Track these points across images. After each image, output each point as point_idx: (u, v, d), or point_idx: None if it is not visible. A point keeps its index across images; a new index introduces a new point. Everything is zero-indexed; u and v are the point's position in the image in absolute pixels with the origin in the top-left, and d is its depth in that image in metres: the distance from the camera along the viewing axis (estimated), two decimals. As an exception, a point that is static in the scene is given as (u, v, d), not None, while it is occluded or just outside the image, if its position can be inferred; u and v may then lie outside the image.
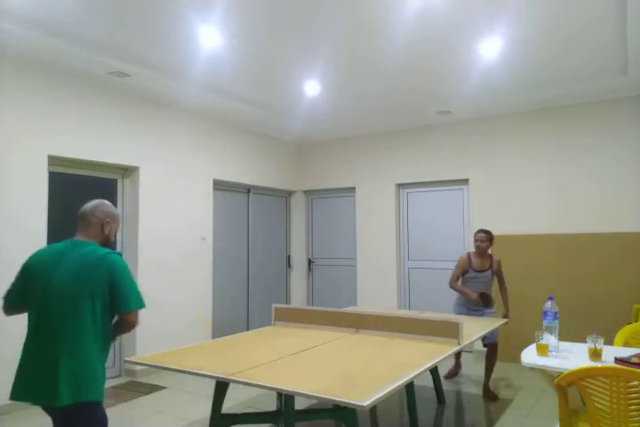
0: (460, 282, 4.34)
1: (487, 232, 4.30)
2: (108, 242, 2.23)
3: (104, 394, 1.98)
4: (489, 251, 4.35)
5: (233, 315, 6.04)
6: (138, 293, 2.04)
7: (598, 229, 4.95)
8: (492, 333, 3.97)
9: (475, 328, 3.45)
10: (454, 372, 4.72)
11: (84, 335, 1.90)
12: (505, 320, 3.97)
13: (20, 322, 3.79)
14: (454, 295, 4.58)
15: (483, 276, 4.25)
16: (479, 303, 4.17)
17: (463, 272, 4.30)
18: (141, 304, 2.02)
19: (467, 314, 4.25)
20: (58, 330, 1.91)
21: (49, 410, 1.92)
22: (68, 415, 1.88)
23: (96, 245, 2.12)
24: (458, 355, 4.72)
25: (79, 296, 1.91)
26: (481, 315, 4.21)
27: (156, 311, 4.85)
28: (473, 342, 3.15)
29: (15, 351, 3.72)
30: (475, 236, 4.34)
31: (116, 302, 1.97)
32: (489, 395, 4.05)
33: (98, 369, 1.93)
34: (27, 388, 1.91)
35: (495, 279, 4.35)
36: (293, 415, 2.54)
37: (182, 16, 3.24)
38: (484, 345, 4.20)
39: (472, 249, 4.47)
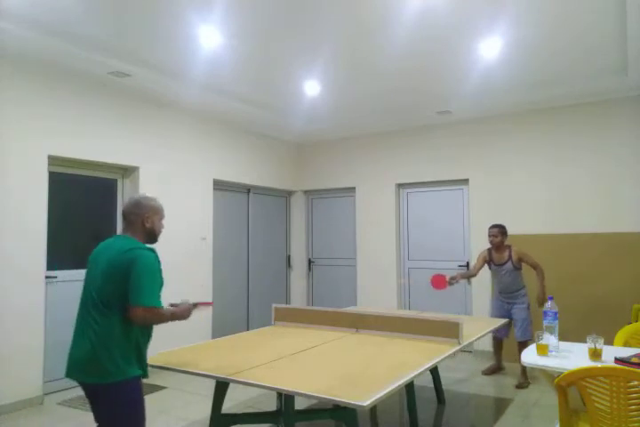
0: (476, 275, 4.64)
1: (499, 226, 4.50)
2: (154, 236, 2.33)
3: (129, 374, 2.03)
4: (505, 243, 4.50)
5: (233, 315, 6.04)
6: (151, 290, 2.07)
7: (598, 229, 4.95)
8: (522, 330, 4.34)
9: (475, 328, 3.45)
10: (494, 368, 4.78)
11: (105, 326, 2.01)
12: (504, 320, 3.96)
13: (22, 321, 3.80)
14: (457, 295, 4.60)
15: (503, 269, 4.43)
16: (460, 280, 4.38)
17: (482, 264, 4.55)
18: (149, 302, 2.03)
19: (500, 307, 4.54)
20: (85, 318, 2.06)
21: (83, 386, 2.09)
22: (97, 392, 2.06)
23: (132, 239, 2.20)
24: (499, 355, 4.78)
25: (103, 290, 2.04)
26: (510, 308, 4.47)
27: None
28: (473, 343, 3.15)
29: (13, 350, 3.74)
30: (488, 231, 4.55)
31: (128, 294, 2.03)
32: (522, 385, 4.29)
33: (116, 355, 2.00)
34: (68, 365, 2.08)
35: (528, 268, 4.47)
36: (293, 415, 2.54)
37: (182, 16, 3.24)
38: (518, 343, 4.45)
39: (487, 245, 4.67)
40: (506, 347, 5.01)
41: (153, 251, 2.21)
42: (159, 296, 2.14)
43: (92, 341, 2.00)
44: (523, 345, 4.31)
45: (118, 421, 2.05)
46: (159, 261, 2.25)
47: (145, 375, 2.13)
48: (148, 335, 2.17)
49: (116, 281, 2.03)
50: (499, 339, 4.65)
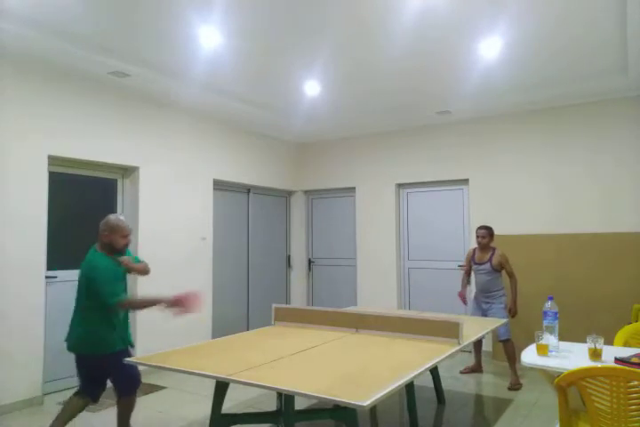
0: (471, 275, 4.78)
1: (487, 228, 4.59)
2: (114, 249, 2.93)
3: (112, 348, 2.84)
4: (492, 245, 4.61)
5: (233, 315, 6.04)
6: (108, 290, 2.78)
7: (598, 229, 4.95)
8: (503, 329, 4.34)
9: (475, 328, 3.45)
10: (473, 368, 4.81)
11: (83, 312, 2.87)
12: (504, 320, 3.96)
13: (22, 321, 3.80)
14: (451, 295, 4.60)
15: (482, 268, 4.55)
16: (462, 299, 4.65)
17: (469, 264, 4.70)
18: (112, 301, 2.77)
19: (477, 306, 4.62)
20: (76, 309, 2.92)
21: (79, 356, 2.88)
22: (88, 361, 2.88)
23: (94, 251, 2.93)
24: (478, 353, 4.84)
25: (80, 287, 2.88)
26: (488, 308, 4.53)
27: (156, 312, 4.84)
28: (473, 342, 3.15)
29: (13, 350, 3.74)
30: (476, 232, 4.63)
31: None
32: (513, 387, 4.28)
33: (99, 333, 2.83)
34: (67, 341, 2.90)
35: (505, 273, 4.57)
36: (293, 415, 2.54)
37: (182, 16, 3.24)
38: (499, 342, 4.53)
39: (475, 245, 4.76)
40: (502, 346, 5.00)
41: (105, 256, 2.89)
42: (118, 289, 2.86)
43: (86, 327, 2.83)
44: (505, 344, 4.42)
45: (117, 380, 2.91)
46: (113, 262, 2.90)
47: (130, 346, 2.96)
48: (120, 317, 2.92)
49: (84, 284, 2.84)
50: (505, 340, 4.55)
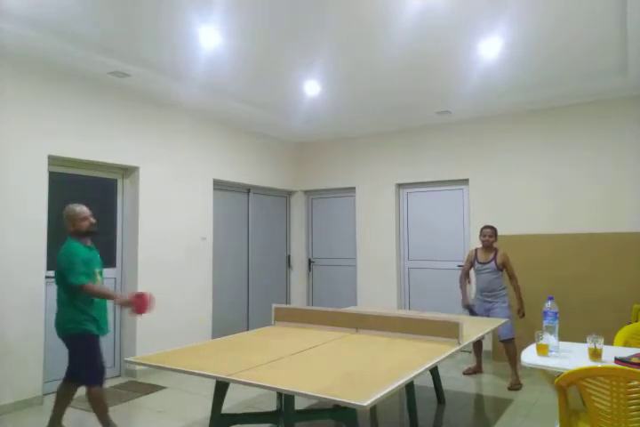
0: (472, 275, 4.78)
1: (492, 228, 4.64)
2: (81, 233, 3.14)
3: (77, 329, 3.03)
4: (494, 245, 4.63)
5: (233, 315, 6.04)
6: (73, 271, 2.99)
7: (598, 228, 4.95)
8: (506, 328, 4.33)
9: (475, 328, 3.45)
10: (475, 369, 4.79)
11: (58, 296, 3.13)
12: (504, 320, 3.97)
13: (22, 321, 3.80)
14: (457, 295, 4.60)
15: (486, 267, 4.56)
16: (467, 307, 4.61)
17: (470, 266, 4.70)
18: (75, 280, 2.98)
19: (480, 305, 4.57)
20: (56, 294, 3.17)
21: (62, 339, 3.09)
22: (66, 343, 3.09)
23: (68, 239, 3.15)
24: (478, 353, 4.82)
25: (56, 274, 3.13)
26: (490, 307, 4.50)
27: (156, 311, 4.84)
28: (473, 343, 3.15)
29: (13, 350, 3.73)
30: (481, 231, 4.66)
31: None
32: (513, 387, 4.29)
33: (69, 317, 3.05)
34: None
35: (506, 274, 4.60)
36: (293, 415, 2.54)
37: (182, 16, 3.24)
38: (501, 341, 4.48)
39: (479, 245, 4.76)
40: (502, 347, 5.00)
41: (76, 243, 3.11)
42: (84, 274, 3.00)
43: (59, 308, 3.09)
44: (507, 344, 4.41)
45: (79, 365, 3.07)
46: (84, 247, 3.11)
47: (101, 333, 3.12)
48: (90, 302, 3.07)
49: (58, 270, 3.08)
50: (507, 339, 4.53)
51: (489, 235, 4.57)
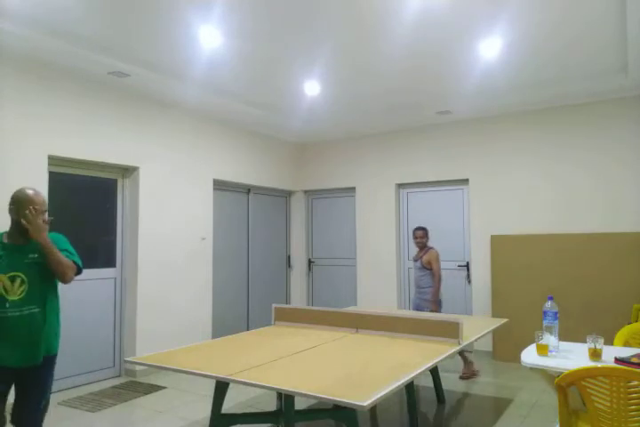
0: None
1: (423, 229, 4.85)
2: (22, 228, 2.40)
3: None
4: (429, 245, 4.86)
5: (233, 315, 6.04)
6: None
7: (598, 229, 4.95)
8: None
9: (475, 328, 3.44)
10: (469, 373, 4.70)
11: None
12: (504, 320, 3.96)
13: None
14: (457, 295, 4.59)
15: (416, 265, 4.87)
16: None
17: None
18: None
19: (413, 300, 4.93)
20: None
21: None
22: (47, 366, 2.50)
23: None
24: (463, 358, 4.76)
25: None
26: (419, 303, 4.78)
27: (156, 311, 4.85)
28: (473, 343, 3.15)
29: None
30: (413, 233, 4.87)
31: None
32: (465, 376, 4.46)
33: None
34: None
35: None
36: (293, 415, 2.54)
37: (182, 16, 3.24)
38: None
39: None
40: (502, 346, 5.01)
41: None
42: None
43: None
44: None
45: (45, 392, 2.52)
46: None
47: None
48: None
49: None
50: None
51: (420, 236, 4.77)
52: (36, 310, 2.40)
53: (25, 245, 2.42)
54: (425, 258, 4.74)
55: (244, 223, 6.29)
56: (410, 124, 6.04)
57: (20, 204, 2.37)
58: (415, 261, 4.87)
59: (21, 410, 2.39)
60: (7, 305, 2.33)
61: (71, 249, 2.54)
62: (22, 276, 2.38)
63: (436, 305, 4.65)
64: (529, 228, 5.32)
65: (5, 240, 2.43)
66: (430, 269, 4.71)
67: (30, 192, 2.40)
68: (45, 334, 2.43)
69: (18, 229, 2.39)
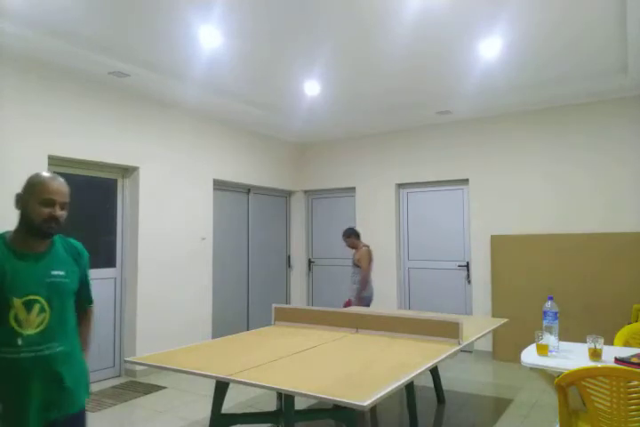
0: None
1: (345, 233, 5.16)
2: (30, 225, 1.69)
3: None
4: (363, 244, 5.10)
5: (233, 315, 6.04)
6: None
7: (598, 229, 4.95)
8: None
9: (475, 328, 3.44)
10: None
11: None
12: (504, 320, 3.96)
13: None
14: (457, 295, 4.58)
15: (351, 263, 5.19)
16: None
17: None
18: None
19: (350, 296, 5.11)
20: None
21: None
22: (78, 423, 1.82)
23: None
24: None
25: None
26: (350, 300, 5.00)
27: (156, 311, 4.85)
28: (473, 343, 3.15)
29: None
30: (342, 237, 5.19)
31: None
32: None
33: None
34: None
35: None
36: (293, 415, 2.54)
37: (182, 16, 3.24)
38: None
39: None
40: (502, 346, 5.01)
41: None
42: None
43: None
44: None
45: None
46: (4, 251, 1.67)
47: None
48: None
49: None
50: None
51: (345, 239, 5.13)
52: (59, 348, 1.69)
53: (43, 254, 1.72)
54: (356, 256, 5.00)
55: (244, 223, 6.28)
56: (410, 124, 6.04)
57: (30, 191, 1.69)
58: (352, 259, 5.17)
59: None
60: (20, 342, 1.61)
61: (89, 277, 1.94)
62: (42, 300, 1.66)
63: (360, 301, 4.82)
64: (529, 228, 5.32)
65: (14, 246, 1.68)
66: (359, 267, 4.96)
67: (46, 175, 1.73)
68: (71, 382, 1.72)
69: (29, 229, 1.68)
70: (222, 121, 5.79)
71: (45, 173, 1.76)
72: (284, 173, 6.87)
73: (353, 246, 5.11)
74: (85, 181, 4.53)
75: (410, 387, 3.31)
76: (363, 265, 4.94)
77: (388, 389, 2.03)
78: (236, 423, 2.89)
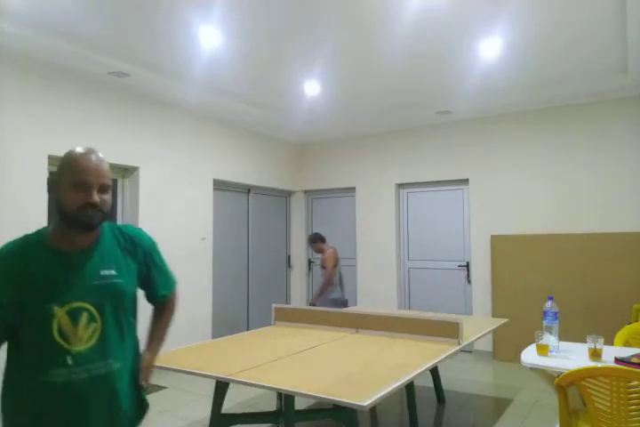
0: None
1: (309, 239, 5.33)
2: (65, 216, 1.41)
3: None
4: (326, 248, 5.19)
5: (233, 315, 6.04)
6: None
7: (599, 229, 4.95)
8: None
9: (475, 328, 3.44)
10: None
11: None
12: (504, 320, 3.97)
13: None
14: (457, 295, 4.58)
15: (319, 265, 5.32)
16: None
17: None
18: None
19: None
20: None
21: None
22: None
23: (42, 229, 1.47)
24: None
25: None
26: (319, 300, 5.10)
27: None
28: (473, 343, 3.15)
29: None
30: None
31: None
32: None
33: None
34: None
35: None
36: (293, 415, 2.54)
37: (182, 16, 3.24)
38: None
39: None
40: (502, 346, 5.01)
41: (28, 237, 1.45)
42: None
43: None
44: None
45: None
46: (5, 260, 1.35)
47: None
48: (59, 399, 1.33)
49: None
50: None
51: (311, 245, 5.27)
52: (117, 365, 1.39)
53: (88, 251, 1.41)
54: (322, 258, 5.13)
55: (244, 223, 6.28)
56: (410, 124, 6.04)
57: (60, 173, 1.40)
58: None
59: None
60: (70, 362, 1.31)
61: (163, 261, 1.63)
62: (90, 308, 1.35)
63: (334, 304, 4.86)
64: (529, 228, 5.31)
65: (53, 243, 1.39)
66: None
67: (78, 151, 1.40)
68: (129, 404, 1.44)
69: (65, 220, 1.39)
70: (222, 121, 5.79)
71: (79, 149, 1.41)
72: (284, 173, 6.86)
73: (319, 251, 5.21)
74: (85, 181, 4.52)
75: (410, 387, 3.31)
76: (327, 266, 5.03)
77: (388, 389, 2.03)
78: (235, 423, 2.90)
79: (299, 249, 7.05)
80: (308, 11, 3.18)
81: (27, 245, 1.40)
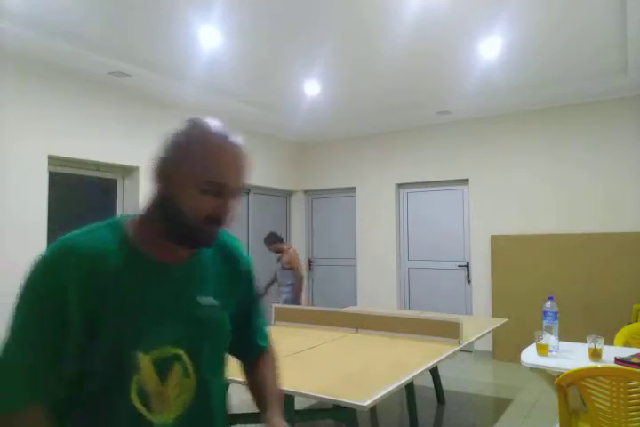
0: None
1: (265, 240, 5.21)
2: (174, 222, 0.96)
3: None
4: (286, 247, 5.20)
5: (233, 315, 6.03)
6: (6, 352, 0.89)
7: (599, 228, 4.95)
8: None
9: (475, 328, 3.44)
10: None
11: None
12: (504, 320, 3.97)
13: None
14: (457, 295, 4.58)
15: (277, 266, 5.27)
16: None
17: None
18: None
19: (279, 297, 5.21)
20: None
21: None
22: None
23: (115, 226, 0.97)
24: None
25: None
26: (281, 299, 5.11)
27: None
28: (473, 342, 3.15)
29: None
30: None
31: None
32: None
33: None
34: None
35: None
36: (293, 415, 2.54)
37: (182, 16, 3.24)
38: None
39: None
40: (502, 346, 5.01)
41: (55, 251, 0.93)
42: (24, 370, 0.87)
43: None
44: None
45: None
46: (57, 277, 0.94)
47: None
48: None
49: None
50: None
51: (269, 246, 5.19)
52: None
53: (186, 266, 1.01)
54: (284, 259, 5.06)
55: (244, 223, 6.28)
56: (410, 124, 6.04)
57: (184, 162, 0.92)
58: (277, 262, 5.22)
59: None
60: None
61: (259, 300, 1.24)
62: (184, 356, 0.92)
63: (263, 292, 4.95)
64: (529, 228, 5.31)
65: (141, 246, 0.94)
66: (291, 269, 5.02)
67: (220, 135, 0.99)
68: None
69: (174, 227, 0.96)
70: (222, 121, 5.77)
71: (217, 126, 1.00)
72: (284, 173, 6.86)
73: (278, 251, 5.16)
74: (85, 181, 4.53)
75: (410, 387, 3.31)
76: (295, 266, 5.02)
77: (388, 389, 2.03)
78: (235, 423, 2.90)
79: (299, 249, 7.04)
80: (308, 11, 3.18)
81: (106, 243, 0.89)
